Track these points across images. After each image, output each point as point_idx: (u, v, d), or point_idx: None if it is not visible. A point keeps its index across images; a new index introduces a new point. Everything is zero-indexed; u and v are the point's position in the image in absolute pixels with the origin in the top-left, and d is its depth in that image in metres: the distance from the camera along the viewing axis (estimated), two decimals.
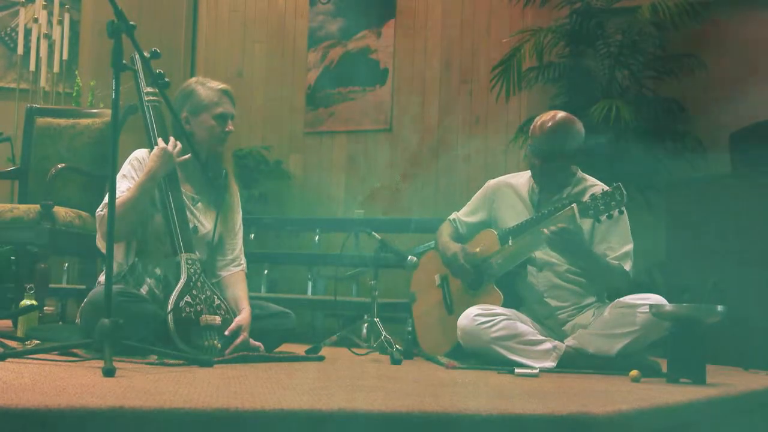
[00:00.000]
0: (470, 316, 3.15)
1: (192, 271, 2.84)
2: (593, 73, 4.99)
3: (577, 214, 3.04)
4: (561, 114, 3.32)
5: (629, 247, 3.21)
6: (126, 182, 2.92)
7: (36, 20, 5.67)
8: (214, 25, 6.59)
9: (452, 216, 3.60)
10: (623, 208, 3.00)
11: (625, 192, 2.98)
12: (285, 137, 6.23)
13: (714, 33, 4.87)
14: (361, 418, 1.69)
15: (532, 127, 3.32)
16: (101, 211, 2.88)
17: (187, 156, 2.94)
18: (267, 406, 1.68)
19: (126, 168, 2.99)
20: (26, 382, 1.91)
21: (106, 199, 2.83)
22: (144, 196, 2.89)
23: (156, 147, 2.93)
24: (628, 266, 3.18)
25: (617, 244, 3.20)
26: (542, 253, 3.28)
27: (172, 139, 2.97)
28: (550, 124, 3.25)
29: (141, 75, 3.01)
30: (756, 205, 3.83)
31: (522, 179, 3.44)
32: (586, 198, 3.10)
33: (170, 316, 2.70)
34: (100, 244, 2.90)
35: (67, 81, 5.85)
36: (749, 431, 2.62)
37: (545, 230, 3.04)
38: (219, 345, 2.78)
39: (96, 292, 2.80)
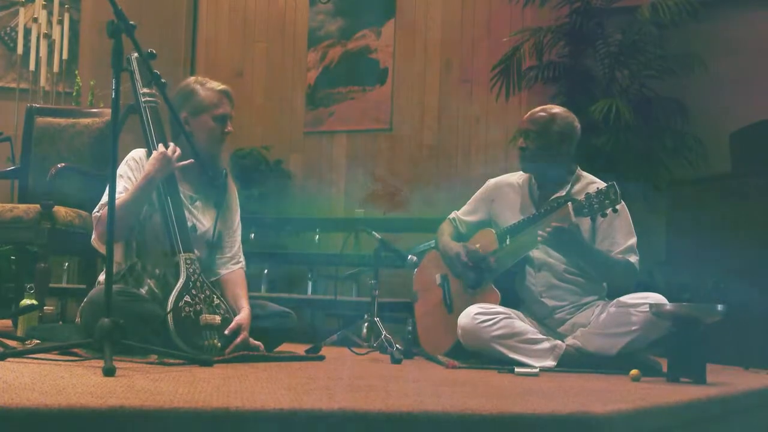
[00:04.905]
0: (470, 315, 3.16)
1: (191, 270, 2.84)
2: (593, 73, 4.99)
3: (572, 213, 3.05)
4: (556, 106, 3.43)
5: (633, 240, 3.22)
6: (122, 182, 2.92)
7: (36, 20, 5.67)
8: (214, 25, 6.60)
9: (452, 215, 3.60)
10: (618, 207, 3.01)
11: (618, 190, 2.99)
12: (285, 137, 6.23)
13: (714, 33, 4.88)
14: (361, 418, 1.69)
15: None
16: (98, 212, 2.88)
17: (187, 162, 2.94)
18: (267, 406, 1.68)
19: (123, 168, 2.98)
20: (26, 382, 1.91)
21: (102, 200, 2.84)
22: (141, 199, 2.88)
23: (155, 152, 2.92)
24: (633, 259, 3.19)
25: (621, 239, 3.21)
26: (540, 253, 3.29)
27: (171, 144, 2.97)
28: (538, 108, 3.39)
29: (137, 76, 3.01)
30: (756, 205, 3.84)
31: (522, 178, 3.45)
32: (583, 196, 3.11)
33: (170, 316, 2.70)
34: (96, 244, 2.90)
35: (67, 81, 5.85)
36: (749, 431, 2.62)
37: (540, 231, 3.06)
38: (219, 344, 2.78)
39: (96, 292, 2.80)
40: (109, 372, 2.11)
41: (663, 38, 4.88)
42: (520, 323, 3.17)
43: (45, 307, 3.77)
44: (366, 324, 3.70)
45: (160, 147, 2.94)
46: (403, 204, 5.78)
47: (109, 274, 2.38)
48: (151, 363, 2.51)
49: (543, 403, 1.96)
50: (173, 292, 2.76)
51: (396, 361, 3.10)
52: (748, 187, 3.91)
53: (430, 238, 3.80)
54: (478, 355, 3.18)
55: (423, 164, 5.79)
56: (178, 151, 2.95)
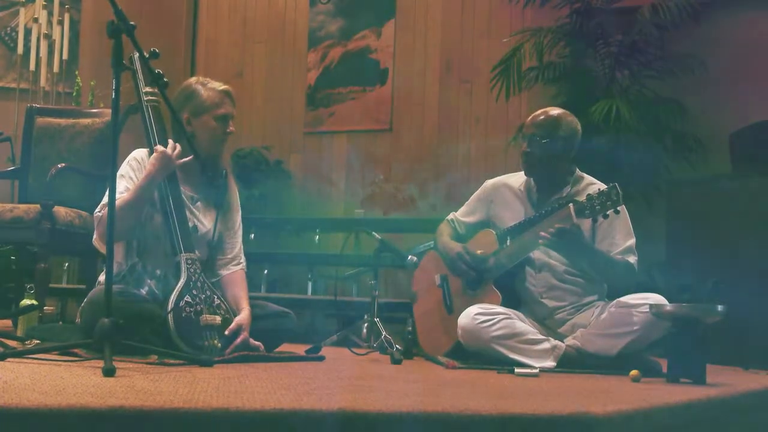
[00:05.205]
0: (470, 315, 3.16)
1: (192, 270, 2.84)
2: (593, 73, 4.99)
3: (574, 214, 3.05)
4: (557, 108, 3.41)
5: (632, 241, 3.23)
6: (124, 182, 2.92)
7: (36, 20, 5.67)
8: (214, 25, 6.59)
9: (450, 216, 3.60)
10: (619, 208, 3.01)
11: (620, 192, 3.00)
12: (285, 137, 6.24)
13: (714, 33, 4.88)
14: (361, 418, 1.69)
15: None
16: (99, 212, 2.88)
17: (187, 158, 2.94)
18: (267, 406, 1.68)
19: (124, 168, 2.98)
20: (26, 382, 1.91)
21: (103, 200, 2.84)
22: (142, 199, 2.88)
23: (155, 151, 2.93)
24: (632, 260, 3.20)
25: (620, 240, 3.22)
26: (540, 254, 3.29)
27: (171, 141, 2.97)
28: (540, 111, 3.37)
29: (140, 75, 3.01)
30: (756, 205, 3.84)
31: (521, 179, 3.45)
32: (583, 197, 3.11)
33: (170, 316, 2.70)
34: (98, 244, 2.90)
35: (67, 81, 5.85)
36: (749, 431, 2.62)
37: (543, 233, 3.06)
38: (219, 345, 2.78)
39: (96, 292, 2.80)
40: (109, 372, 2.11)
41: (663, 39, 4.88)
42: (521, 324, 3.17)
43: (45, 307, 3.78)
44: (366, 324, 3.70)
45: (159, 146, 2.94)
46: (403, 204, 5.78)
47: (109, 274, 2.38)
48: (151, 363, 2.52)
49: (543, 403, 1.96)
50: (174, 292, 2.76)
51: (396, 361, 3.10)
52: (748, 187, 3.91)
53: (430, 239, 3.79)
54: (478, 355, 3.18)
55: (423, 164, 5.79)
56: (178, 148, 2.95)
